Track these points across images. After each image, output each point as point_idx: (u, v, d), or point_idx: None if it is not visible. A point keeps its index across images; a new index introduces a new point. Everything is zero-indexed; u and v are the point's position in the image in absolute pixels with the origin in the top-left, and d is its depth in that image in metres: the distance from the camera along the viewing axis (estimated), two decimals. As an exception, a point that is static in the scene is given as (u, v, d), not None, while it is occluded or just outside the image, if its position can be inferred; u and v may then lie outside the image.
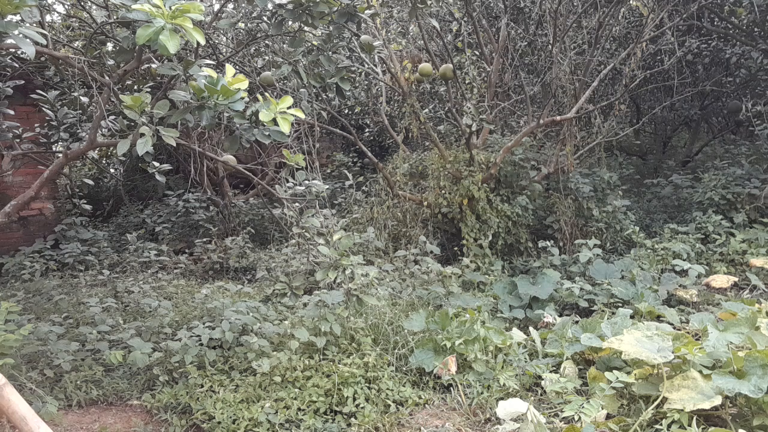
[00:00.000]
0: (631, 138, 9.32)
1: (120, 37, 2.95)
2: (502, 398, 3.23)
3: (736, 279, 5.15)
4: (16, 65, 4.63)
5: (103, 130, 3.66)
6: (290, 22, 3.46)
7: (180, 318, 4.44)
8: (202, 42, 2.29)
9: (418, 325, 3.89)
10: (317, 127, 5.29)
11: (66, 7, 5.48)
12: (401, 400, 3.33)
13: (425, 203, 6.02)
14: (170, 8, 2.23)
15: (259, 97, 2.70)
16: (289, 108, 2.65)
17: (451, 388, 3.45)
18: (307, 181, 4.06)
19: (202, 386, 3.41)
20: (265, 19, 3.63)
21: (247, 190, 9.02)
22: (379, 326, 3.99)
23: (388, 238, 6.07)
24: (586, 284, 4.83)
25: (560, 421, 3.04)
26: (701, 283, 5.13)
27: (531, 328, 4.10)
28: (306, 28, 3.56)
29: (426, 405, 3.32)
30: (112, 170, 8.55)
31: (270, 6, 3.41)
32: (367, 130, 9.61)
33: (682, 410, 2.71)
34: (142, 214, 8.02)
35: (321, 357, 3.65)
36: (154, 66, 3.57)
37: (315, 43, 3.73)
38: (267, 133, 2.74)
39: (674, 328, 4.06)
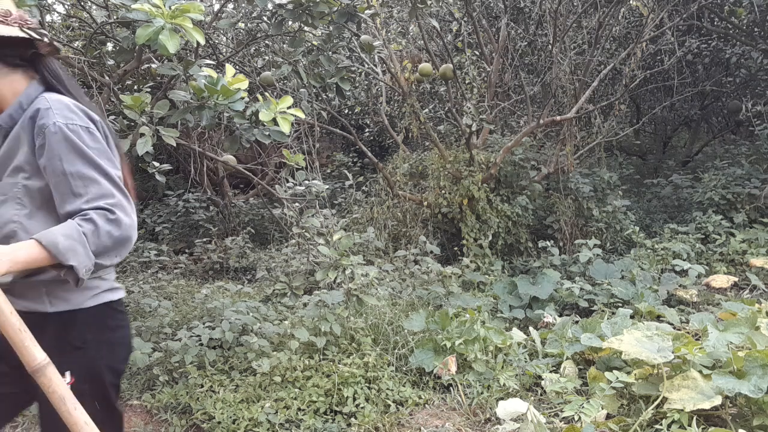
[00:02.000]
0: (631, 138, 9.32)
1: (120, 37, 2.95)
2: (502, 398, 3.23)
3: (736, 279, 5.15)
4: (16, 65, 4.62)
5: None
6: (290, 22, 3.46)
7: (180, 318, 4.44)
8: (202, 42, 2.29)
9: (418, 325, 3.89)
10: (317, 127, 5.29)
11: (66, 7, 5.47)
12: (401, 400, 3.33)
13: (425, 203, 6.02)
14: (170, 8, 2.23)
15: (259, 97, 2.69)
16: (289, 108, 2.65)
17: (451, 388, 3.45)
18: (307, 181, 4.06)
19: (202, 386, 3.41)
20: (265, 19, 3.63)
21: (247, 190, 9.02)
22: (379, 326, 3.99)
23: (388, 238, 6.07)
24: (586, 284, 4.83)
25: (560, 421, 3.04)
26: (701, 283, 5.13)
27: (531, 328, 4.10)
28: (306, 28, 3.55)
29: (426, 405, 3.32)
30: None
31: (270, 6, 3.41)
32: (367, 130, 9.60)
33: (682, 410, 2.70)
34: (142, 214, 8.01)
35: (321, 357, 3.65)
36: (154, 66, 3.57)
37: (315, 43, 3.72)
38: (267, 133, 2.74)
39: (674, 328, 4.06)
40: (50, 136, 1.41)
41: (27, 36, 1.49)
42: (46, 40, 1.54)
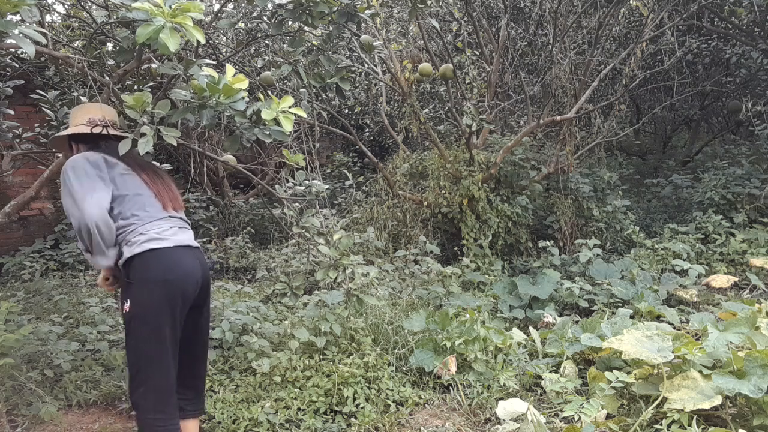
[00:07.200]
0: (631, 138, 9.33)
1: (120, 37, 2.94)
2: (502, 398, 3.23)
3: (736, 279, 5.15)
4: (16, 65, 4.62)
5: (103, 130, 3.64)
6: (290, 22, 3.45)
7: (180, 318, 4.43)
8: (203, 41, 2.29)
9: (418, 325, 3.89)
10: (317, 127, 5.29)
11: (66, 7, 5.47)
12: (401, 400, 3.33)
13: (425, 203, 6.02)
14: (170, 7, 2.22)
15: (260, 96, 2.69)
16: (290, 107, 2.64)
17: (451, 388, 3.45)
18: (307, 181, 4.05)
19: (202, 386, 3.40)
20: (265, 19, 3.62)
21: (247, 190, 9.02)
22: (379, 326, 3.98)
23: (388, 238, 6.07)
24: (586, 284, 4.83)
25: (560, 421, 3.04)
26: (701, 283, 5.13)
27: (531, 328, 4.10)
28: (306, 28, 3.55)
29: (426, 405, 3.32)
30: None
31: (270, 6, 3.40)
32: (367, 130, 9.60)
33: (682, 410, 2.70)
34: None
35: (321, 357, 3.65)
36: (154, 66, 3.56)
37: (315, 43, 3.72)
38: (268, 133, 2.74)
39: (674, 328, 4.06)
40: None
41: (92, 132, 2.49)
42: (112, 131, 2.52)
